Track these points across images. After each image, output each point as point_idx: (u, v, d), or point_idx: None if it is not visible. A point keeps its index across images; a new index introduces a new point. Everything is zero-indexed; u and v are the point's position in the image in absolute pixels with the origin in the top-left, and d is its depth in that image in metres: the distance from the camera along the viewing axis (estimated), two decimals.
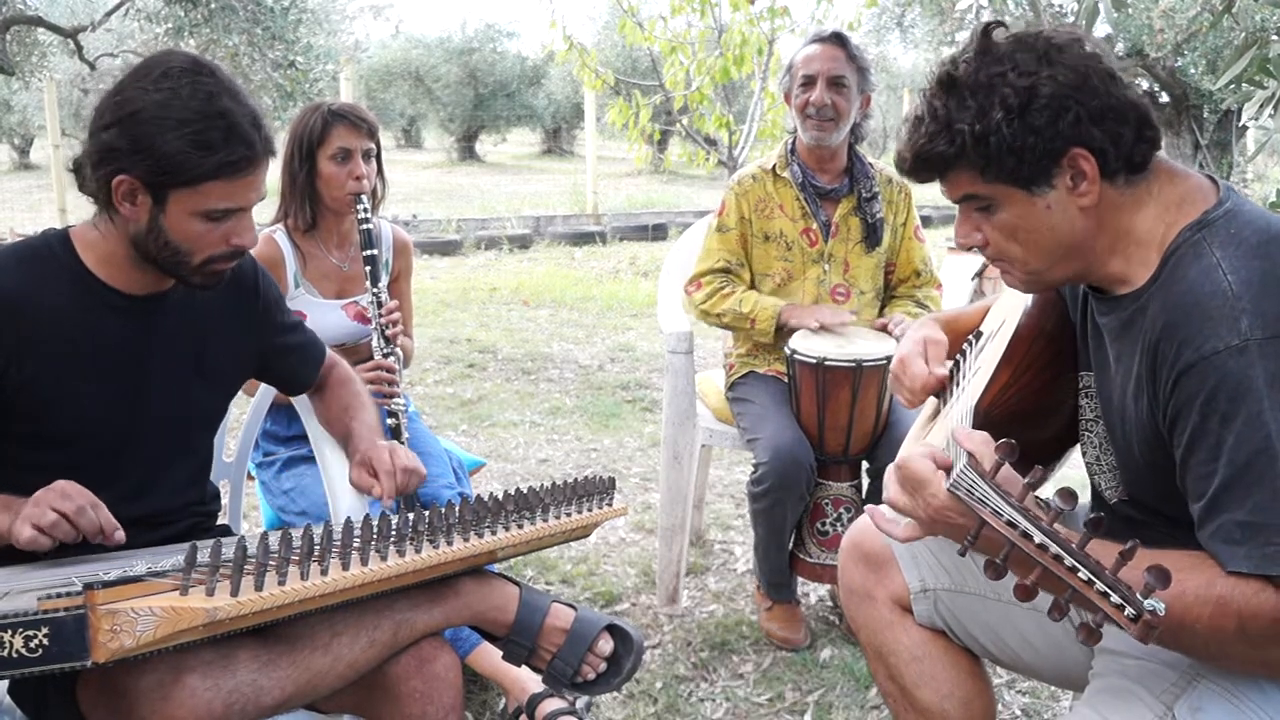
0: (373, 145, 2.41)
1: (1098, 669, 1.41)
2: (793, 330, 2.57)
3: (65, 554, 1.42)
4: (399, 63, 20.01)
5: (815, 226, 2.67)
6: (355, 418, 1.84)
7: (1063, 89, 1.21)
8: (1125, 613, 0.97)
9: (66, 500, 1.37)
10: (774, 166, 2.70)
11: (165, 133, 1.40)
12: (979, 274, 5.77)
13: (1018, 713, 2.34)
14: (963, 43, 1.30)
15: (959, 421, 1.34)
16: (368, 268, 2.35)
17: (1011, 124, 1.21)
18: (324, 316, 2.40)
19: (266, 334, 1.76)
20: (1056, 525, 1.04)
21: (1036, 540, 1.03)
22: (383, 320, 2.34)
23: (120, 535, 1.42)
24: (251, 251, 1.77)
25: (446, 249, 9.72)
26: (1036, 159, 1.23)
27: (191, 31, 7.67)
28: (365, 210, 2.35)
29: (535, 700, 2.16)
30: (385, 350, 2.34)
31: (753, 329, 2.62)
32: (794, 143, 2.71)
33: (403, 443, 2.29)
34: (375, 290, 2.34)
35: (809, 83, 2.58)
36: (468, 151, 20.84)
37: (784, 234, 2.67)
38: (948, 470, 1.23)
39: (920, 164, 1.31)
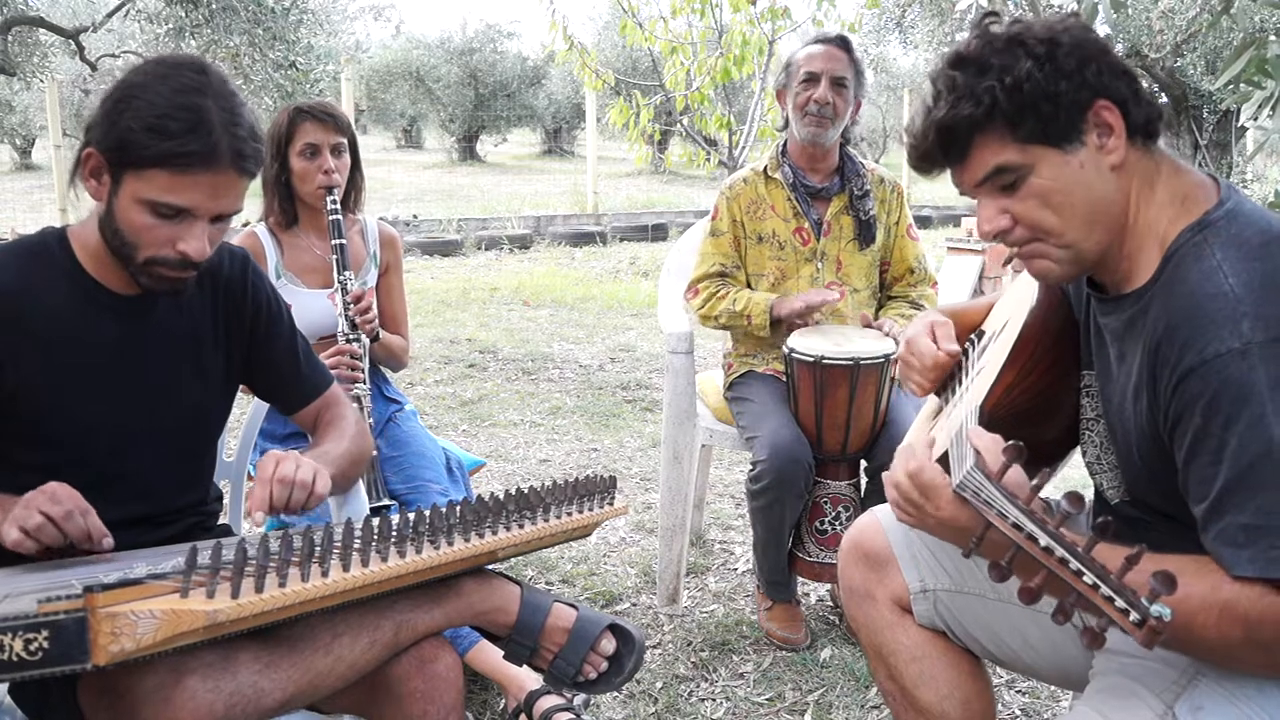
0: (343, 140, 2.47)
1: (1098, 668, 1.41)
2: (784, 319, 2.59)
3: (62, 556, 1.42)
4: (399, 63, 20.04)
5: (807, 225, 2.69)
6: (315, 445, 1.75)
7: (1080, 40, 1.23)
8: (1130, 618, 0.96)
9: (55, 504, 1.36)
10: (765, 168, 2.73)
11: (131, 111, 1.39)
12: (984, 274, 5.78)
13: (1017, 713, 2.34)
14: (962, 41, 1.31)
15: (964, 422, 1.34)
16: (334, 257, 2.41)
17: (1044, 68, 1.21)
18: (309, 305, 2.43)
19: (256, 341, 1.73)
20: (1063, 529, 1.03)
21: (1042, 543, 1.02)
22: (350, 310, 2.39)
23: (108, 543, 1.40)
24: (245, 248, 1.76)
25: (447, 249, 9.73)
26: (1068, 107, 1.22)
27: (193, 32, 7.69)
28: (334, 203, 2.42)
29: (533, 697, 2.16)
30: (350, 336, 2.39)
31: (750, 325, 2.65)
32: (785, 144, 2.73)
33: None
34: (342, 278, 2.40)
35: (811, 80, 2.60)
36: (468, 152, 20.86)
37: (776, 234, 2.69)
38: (942, 462, 1.24)
39: (944, 136, 1.26)
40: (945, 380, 1.64)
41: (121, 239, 1.45)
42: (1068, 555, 1.00)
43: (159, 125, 1.37)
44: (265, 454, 1.54)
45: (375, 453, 2.32)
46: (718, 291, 2.70)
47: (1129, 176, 1.26)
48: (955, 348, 1.59)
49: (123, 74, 1.45)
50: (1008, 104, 1.21)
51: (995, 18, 1.28)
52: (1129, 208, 1.27)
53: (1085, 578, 0.99)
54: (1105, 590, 0.98)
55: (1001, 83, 1.21)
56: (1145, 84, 1.28)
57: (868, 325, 2.61)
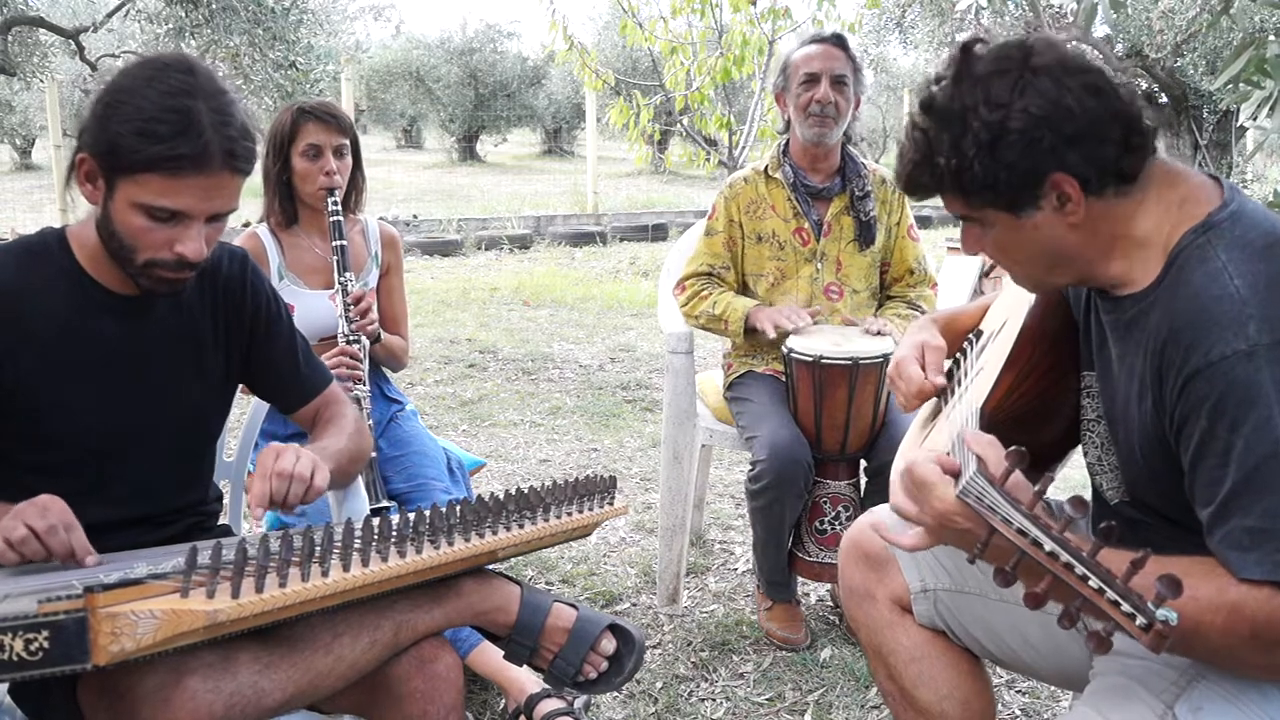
0: (345, 141, 2.47)
1: (1098, 668, 1.41)
2: (758, 332, 2.59)
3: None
4: (399, 63, 20.04)
5: (807, 226, 2.69)
6: (313, 442, 1.74)
7: (1033, 120, 1.20)
8: (1137, 622, 0.96)
9: (42, 518, 1.35)
10: (766, 168, 2.73)
11: (119, 116, 1.38)
12: (985, 274, 5.78)
13: (1017, 712, 2.34)
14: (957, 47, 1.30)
15: (964, 425, 1.34)
16: (335, 258, 2.41)
17: (984, 159, 1.22)
18: (312, 306, 2.43)
19: (255, 340, 1.73)
20: (1067, 533, 1.03)
21: (1047, 548, 1.02)
22: (350, 310, 2.39)
23: (91, 560, 1.38)
24: (245, 248, 1.76)
25: (447, 249, 9.72)
26: (1014, 190, 1.23)
27: (193, 32, 7.69)
28: (335, 204, 2.42)
29: (533, 700, 2.16)
30: (350, 337, 2.39)
31: (726, 330, 2.65)
32: (787, 144, 2.73)
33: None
34: (343, 279, 2.40)
35: (812, 80, 2.60)
36: (468, 152, 20.86)
37: (776, 234, 2.69)
38: (955, 475, 1.23)
39: (911, 188, 1.34)
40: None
41: (119, 242, 1.45)
42: (1073, 560, 1.00)
43: (148, 129, 1.37)
44: (265, 447, 1.54)
45: (374, 454, 2.32)
46: (701, 291, 2.70)
47: (1095, 224, 1.26)
48: (941, 380, 1.61)
49: (112, 76, 1.44)
50: (953, 184, 1.26)
51: (982, 45, 1.26)
52: (1101, 244, 1.28)
53: (1091, 582, 0.99)
54: (1111, 595, 0.98)
55: (948, 163, 1.24)
56: (1146, 86, 1.26)
57: (849, 324, 2.61)
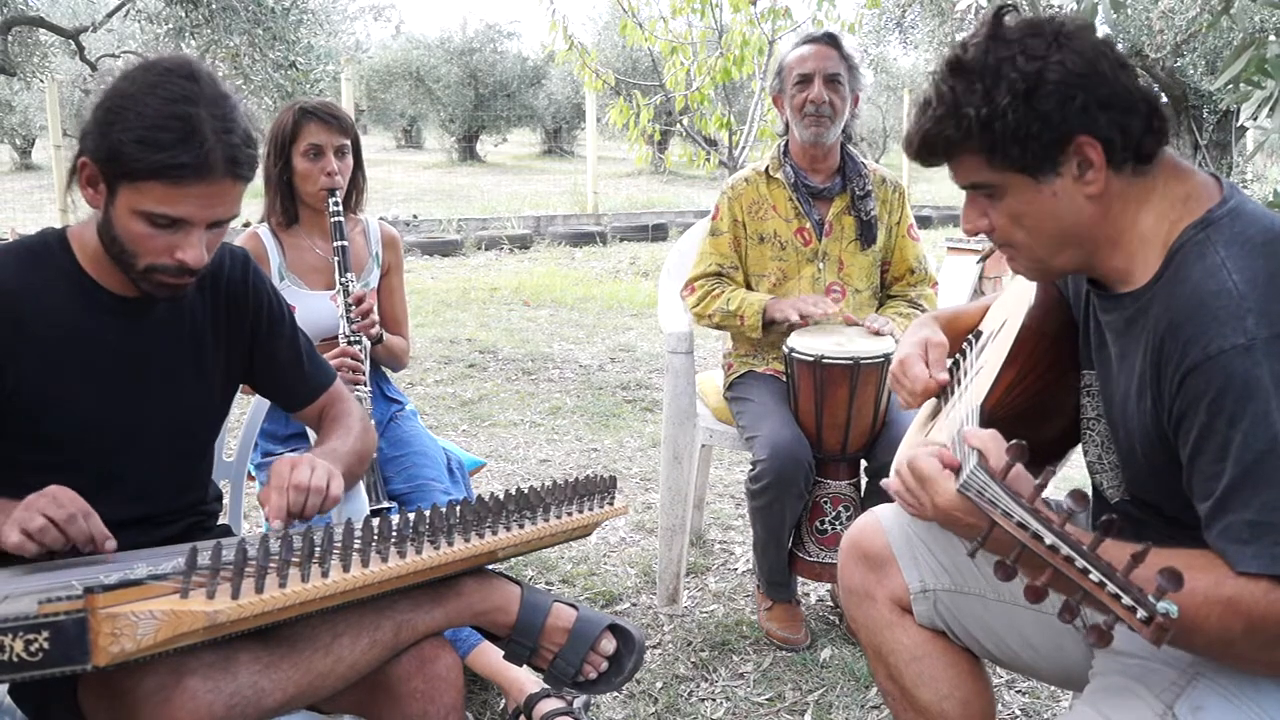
0: (347, 141, 2.47)
1: (1098, 668, 1.41)
2: (778, 322, 2.59)
3: (63, 558, 1.42)
4: (399, 63, 20.05)
5: (809, 226, 2.69)
6: (322, 442, 1.76)
7: (1070, 75, 1.20)
8: (1138, 615, 0.96)
9: (57, 507, 1.36)
10: (767, 168, 2.73)
11: (121, 123, 1.37)
12: (984, 257, 5.79)
13: (1017, 712, 2.34)
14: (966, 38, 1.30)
15: (964, 423, 1.34)
16: (336, 259, 2.40)
17: (1017, 109, 1.21)
18: (313, 307, 2.43)
19: (258, 340, 1.73)
20: (1068, 527, 1.03)
21: (1048, 542, 1.02)
22: (351, 311, 2.39)
23: (111, 545, 1.39)
24: (246, 249, 1.77)
25: (447, 249, 9.73)
26: (1042, 145, 1.22)
27: (193, 32, 7.69)
28: (337, 204, 2.42)
29: (533, 700, 2.16)
30: (351, 338, 2.39)
31: (743, 325, 2.65)
32: (786, 144, 2.73)
33: None
34: (344, 280, 2.40)
35: (805, 81, 2.61)
36: (468, 152, 20.87)
37: (777, 234, 2.69)
38: (955, 470, 1.23)
39: (927, 147, 1.30)
40: None
41: (120, 247, 1.45)
42: (1073, 553, 1.00)
43: (150, 138, 1.36)
44: (278, 459, 1.54)
45: (375, 454, 2.32)
46: (712, 290, 2.70)
47: (1110, 202, 1.26)
48: (945, 376, 1.61)
49: (113, 80, 1.43)
50: (980, 136, 1.24)
51: (1012, 11, 1.27)
52: (1111, 228, 1.27)
53: (1091, 575, 0.99)
54: (1111, 588, 0.98)
55: (978, 113, 1.22)
56: (1152, 99, 1.25)
57: (851, 324, 2.61)
